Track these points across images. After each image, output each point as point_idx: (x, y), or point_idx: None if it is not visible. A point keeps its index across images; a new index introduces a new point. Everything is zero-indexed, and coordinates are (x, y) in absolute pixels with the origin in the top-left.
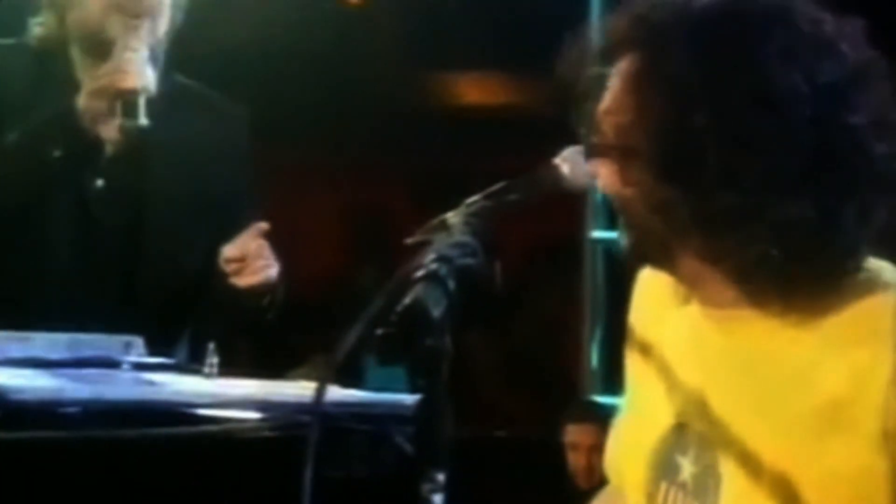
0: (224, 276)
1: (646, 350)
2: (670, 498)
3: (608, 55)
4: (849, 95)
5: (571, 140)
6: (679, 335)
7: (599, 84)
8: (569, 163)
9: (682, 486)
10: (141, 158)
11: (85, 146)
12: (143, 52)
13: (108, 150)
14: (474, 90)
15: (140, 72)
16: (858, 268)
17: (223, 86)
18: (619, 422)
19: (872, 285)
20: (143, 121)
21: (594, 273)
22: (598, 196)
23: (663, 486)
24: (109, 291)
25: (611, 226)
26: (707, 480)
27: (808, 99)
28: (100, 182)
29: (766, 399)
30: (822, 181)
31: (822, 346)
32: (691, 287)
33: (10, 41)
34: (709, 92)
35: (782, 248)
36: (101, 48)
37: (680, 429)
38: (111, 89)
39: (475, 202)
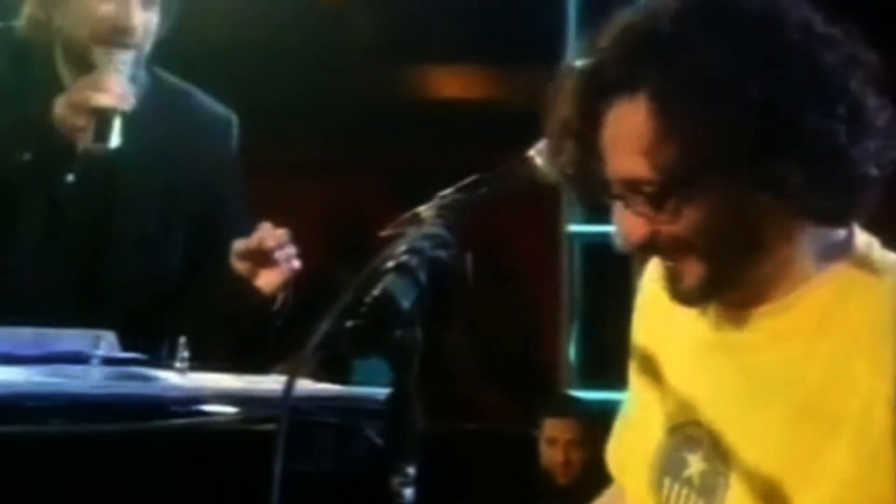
0: (237, 278)
1: (653, 354)
2: (674, 493)
3: (604, 96)
4: (853, 129)
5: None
6: (692, 335)
7: (588, 125)
8: (544, 155)
9: (688, 481)
10: (114, 155)
11: (56, 151)
12: (127, 71)
13: (81, 147)
14: (450, 84)
15: (119, 92)
16: (850, 255)
17: (199, 82)
18: (621, 421)
19: (876, 283)
20: (115, 142)
21: (571, 267)
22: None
23: (667, 481)
24: (78, 287)
25: (587, 219)
26: (716, 480)
27: (820, 134)
28: (70, 177)
29: (766, 405)
30: (808, 205)
31: (822, 356)
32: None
33: None
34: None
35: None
36: (84, 63)
37: (688, 426)
38: (87, 105)
39: (448, 195)
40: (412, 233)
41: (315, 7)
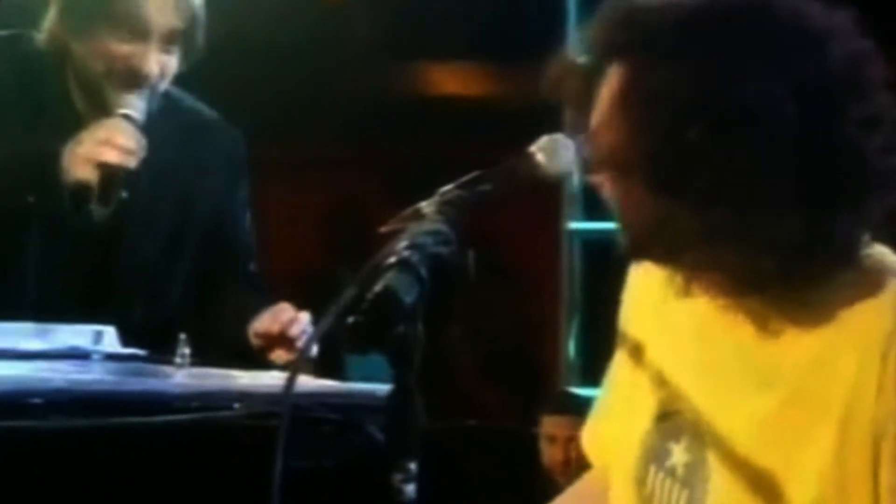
0: (251, 347)
1: (641, 344)
2: (658, 482)
3: (593, 63)
4: (837, 99)
5: (547, 129)
6: (680, 324)
7: (587, 93)
8: (544, 152)
9: (671, 471)
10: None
11: (62, 199)
12: (139, 119)
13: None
14: (450, 81)
15: (128, 148)
16: (856, 261)
17: (198, 79)
18: (601, 411)
19: (872, 280)
20: (120, 197)
21: (571, 263)
22: (576, 186)
23: (652, 469)
24: (86, 304)
25: (587, 216)
26: (698, 470)
27: (795, 110)
28: None
29: (756, 393)
30: (814, 192)
31: (813, 347)
32: (695, 283)
33: (5, 32)
34: (697, 107)
35: (775, 260)
36: (97, 97)
37: (673, 416)
38: (93, 160)
39: (449, 191)
40: (413, 229)
41: (314, 4)
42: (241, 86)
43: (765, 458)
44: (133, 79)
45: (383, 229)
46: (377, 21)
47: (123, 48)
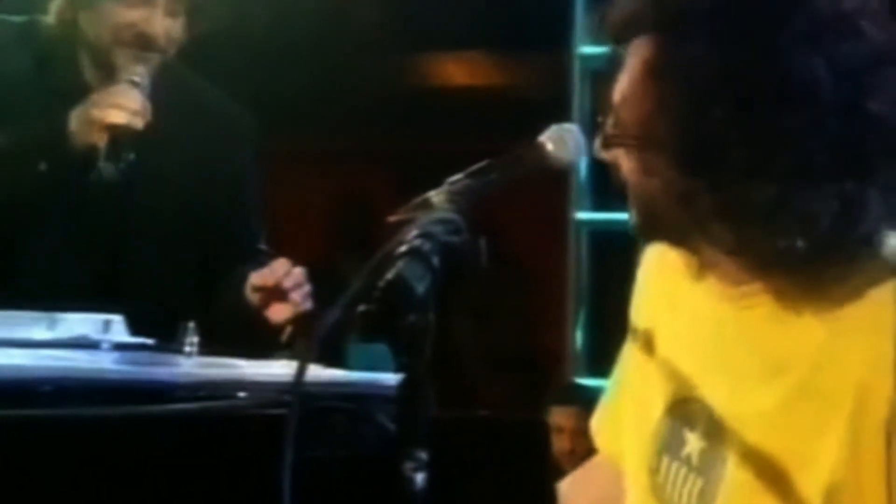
0: (249, 306)
1: (653, 334)
2: (672, 470)
3: (622, 34)
4: (870, 78)
5: (555, 119)
6: (694, 312)
7: (614, 65)
8: (553, 141)
9: (686, 460)
10: (135, 158)
11: (73, 162)
12: (146, 83)
13: (97, 164)
14: (457, 72)
15: (134, 109)
16: (878, 249)
17: (204, 72)
18: (612, 400)
19: (887, 268)
20: (129, 158)
21: (578, 254)
22: (583, 176)
23: (665, 459)
24: (96, 286)
25: (595, 207)
26: (714, 458)
27: (830, 87)
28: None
29: (767, 382)
30: (847, 171)
31: (825, 334)
32: (708, 269)
33: (21, 18)
34: (729, 82)
35: (804, 240)
36: (107, 67)
37: (688, 403)
38: (101, 122)
39: (458, 180)
40: (424, 217)
41: None
42: (248, 79)
43: (775, 447)
44: (141, 44)
45: (392, 219)
46: (384, 12)
47: (130, 14)
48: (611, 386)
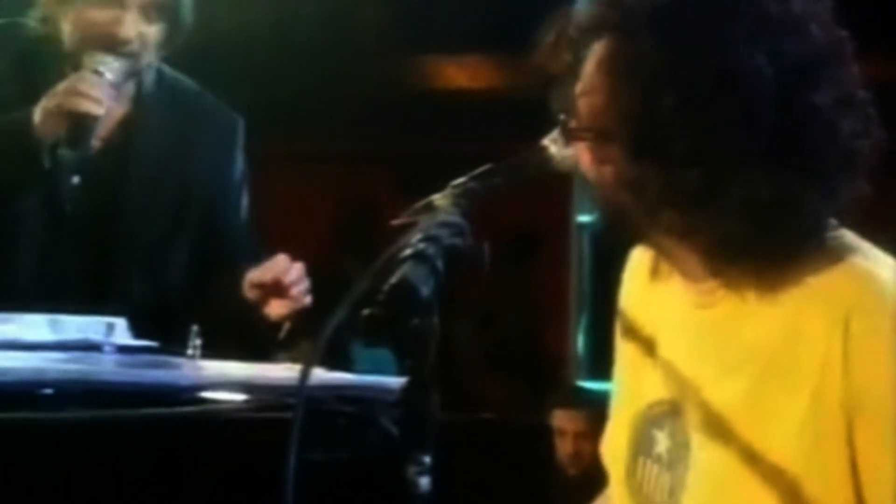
0: (247, 303)
1: (634, 330)
2: (646, 471)
3: (583, 39)
4: (813, 75)
5: (557, 122)
6: (664, 311)
7: (575, 67)
8: (557, 144)
9: (658, 458)
10: (120, 157)
11: (41, 153)
12: (108, 76)
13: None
14: (459, 74)
15: (95, 96)
16: (823, 241)
17: (208, 73)
18: (611, 418)
19: (835, 257)
20: (92, 146)
21: (580, 257)
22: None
23: (640, 460)
24: (84, 288)
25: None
26: (680, 452)
27: (771, 79)
28: (76, 179)
29: (734, 371)
30: (786, 160)
31: (784, 319)
32: (670, 262)
33: (6, 20)
34: (674, 75)
35: (746, 225)
36: (79, 68)
37: (658, 404)
38: (61, 110)
39: (461, 184)
40: (428, 221)
41: None
42: (250, 81)
43: (746, 432)
44: (107, 42)
45: (396, 222)
46: (386, 15)
47: (99, 15)
48: (611, 401)
